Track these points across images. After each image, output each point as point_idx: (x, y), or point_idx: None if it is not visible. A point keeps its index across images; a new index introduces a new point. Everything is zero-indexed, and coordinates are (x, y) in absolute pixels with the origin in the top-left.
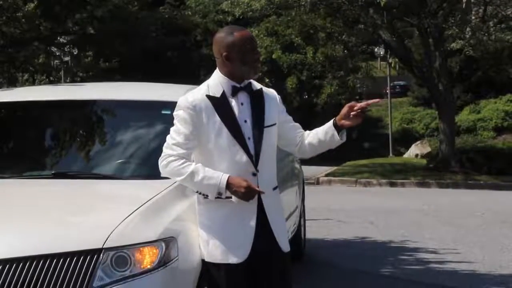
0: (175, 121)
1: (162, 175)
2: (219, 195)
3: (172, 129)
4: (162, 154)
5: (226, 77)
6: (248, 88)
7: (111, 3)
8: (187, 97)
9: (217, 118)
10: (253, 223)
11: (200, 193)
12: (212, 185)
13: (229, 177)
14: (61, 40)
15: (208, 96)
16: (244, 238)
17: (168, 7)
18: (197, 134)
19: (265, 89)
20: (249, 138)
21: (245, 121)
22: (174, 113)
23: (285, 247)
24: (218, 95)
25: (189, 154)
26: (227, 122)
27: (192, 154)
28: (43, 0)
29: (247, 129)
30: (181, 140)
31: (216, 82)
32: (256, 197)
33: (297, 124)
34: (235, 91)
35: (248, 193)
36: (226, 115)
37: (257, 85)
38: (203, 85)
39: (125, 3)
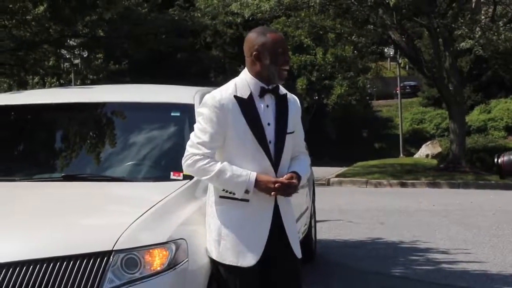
0: (199, 119)
1: (185, 172)
2: (246, 193)
3: (196, 126)
4: (186, 153)
5: (255, 78)
6: (275, 91)
7: (121, 5)
8: (214, 95)
9: (243, 120)
10: (268, 227)
11: (226, 191)
12: (241, 182)
13: (257, 174)
14: (71, 42)
15: (236, 97)
16: (257, 241)
17: (178, 9)
18: (223, 134)
19: (290, 95)
20: (270, 142)
21: (268, 124)
22: (199, 110)
23: (298, 252)
24: (245, 96)
25: (214, 154)
26: (252, 125)
27: (216, 154)
28: (52, 2)
29: (269, 133)
30: (207, 139)
31: (244, 82)
32: (273, 204)
33: (301, 143)
34: (262, 93)
35: (277, 188)
36: (252, 118)
37: (283, 90)
38: (231, 84)
39: (134, 5)
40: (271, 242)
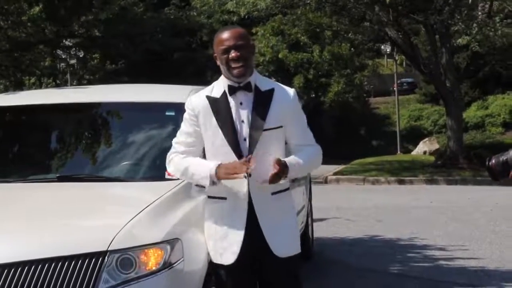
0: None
1: (170, 173)
2: (213, 184)
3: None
4: (167, 154)
5: (224, 77)
6: (249, 87)
7: (116, 5)
8: (191, 98)
9: (214, 119)
10: (242, 225)
11: (198, 185)
12: (204, 176)
13: (221, 163)
14: (67, 43)
15: (208, 97)
16: (233, 240)
17: (173, 8)
18: (195, 134)
19: (281, 89)
20: (245, 139)
21: (242, 121)
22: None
23: (281, 252)
24: (218, 95)
25: (191, 152)
26: (221, 122)
27: (197, 152)
28: (48, 3)
29: (243, 130)
30: (182, 138)
31: (220, 83)
32: (247, 201)
33: (302, 136)
34: (231, 91)
35: (238, 168)
36: (222, 116)
37: (269, 85)
38: (210, 86)
39: (130, 5)
40: (249, 241)
